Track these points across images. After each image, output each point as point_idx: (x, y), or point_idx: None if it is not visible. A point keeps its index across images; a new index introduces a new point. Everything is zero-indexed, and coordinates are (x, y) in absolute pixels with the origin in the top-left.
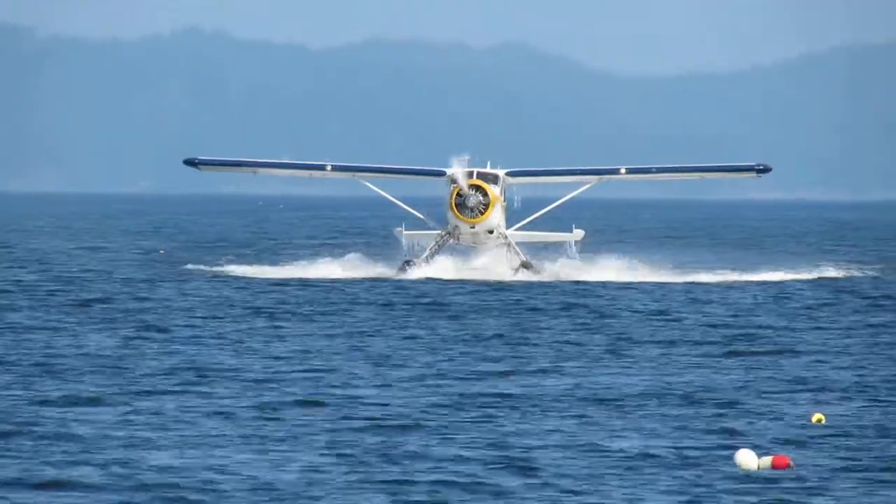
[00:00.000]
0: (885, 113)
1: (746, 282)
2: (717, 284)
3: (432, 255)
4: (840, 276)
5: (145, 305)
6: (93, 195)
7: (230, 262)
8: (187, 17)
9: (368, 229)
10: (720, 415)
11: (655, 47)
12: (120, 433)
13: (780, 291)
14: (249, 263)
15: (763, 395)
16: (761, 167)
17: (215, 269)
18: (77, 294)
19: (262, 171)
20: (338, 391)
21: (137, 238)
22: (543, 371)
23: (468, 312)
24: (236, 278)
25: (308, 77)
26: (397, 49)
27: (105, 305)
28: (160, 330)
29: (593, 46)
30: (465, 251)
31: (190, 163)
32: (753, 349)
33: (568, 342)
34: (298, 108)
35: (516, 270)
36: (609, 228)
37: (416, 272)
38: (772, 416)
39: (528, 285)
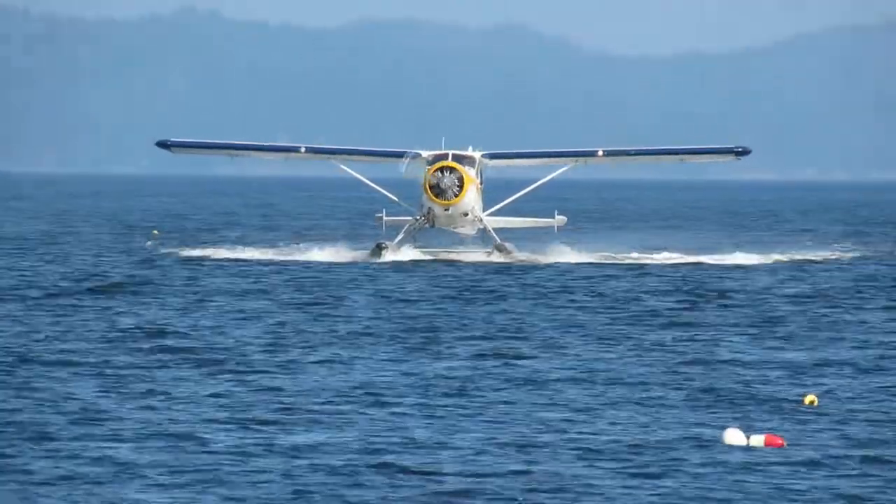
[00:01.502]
0: (881, 93)
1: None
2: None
3: (406, 239)
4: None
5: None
6: (90, 176)
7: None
8: None
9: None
10: (712, 395)
11: (653, 28)
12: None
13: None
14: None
15: (758, 377)
16: (740, 149)
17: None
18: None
19: (236, 153)
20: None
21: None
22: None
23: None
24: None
25: (305, 58)
26: (394, 29)
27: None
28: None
29: (591, 28)
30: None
31: (163, 145)
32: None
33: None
34: (295, 88)
35: (490, 253)
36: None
37: (389, 256)
38: (766, 398)
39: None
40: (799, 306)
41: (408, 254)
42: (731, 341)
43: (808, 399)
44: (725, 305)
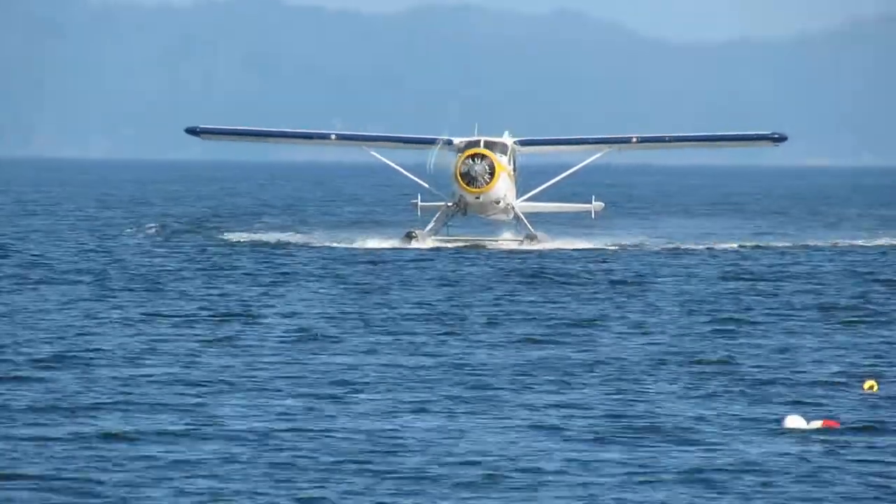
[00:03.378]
0: None
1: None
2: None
3: (438, 227)
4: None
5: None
6: (154, 162)
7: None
8: None
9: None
10: (766, 382)
11: (707, 13)
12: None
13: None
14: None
15: (816, 363)
16: (777, 136)
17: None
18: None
19: (265, 140)
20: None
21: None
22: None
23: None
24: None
25: (360, 44)
26: (449, 15)
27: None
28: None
29: (647, 13)
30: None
31: (192, 131)
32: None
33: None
34: (350, 75)
35: (522, 241)
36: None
37: (419, 244)
38: (825, 384)
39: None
40: None
41: (429, 242)
42: None
43: (867, 384)
44: None
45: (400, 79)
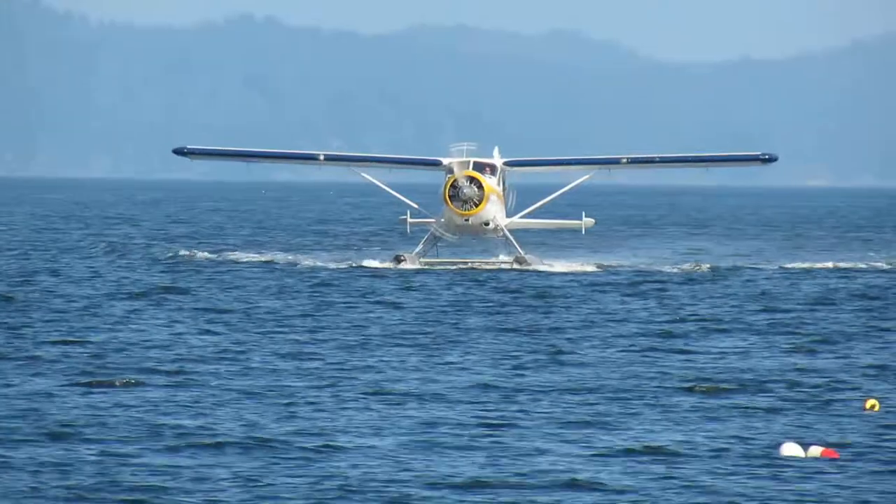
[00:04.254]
0: None
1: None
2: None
3: (426, 249)
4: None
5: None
6: (143, 182)
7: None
8: (240, 3)
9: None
10: (771, 406)
11: (704, 33)
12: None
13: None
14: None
15: (815, 384)
16: (767, 156)
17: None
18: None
19: (254, 160)
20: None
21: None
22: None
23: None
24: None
25: (358, 63)
26: (446, 36)
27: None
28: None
29: (645, 33)
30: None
31: (179, 152)
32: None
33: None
34: (348, 93)
35: (511, 264)
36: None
37: (409, 266)
38: (824, 405)
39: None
40: None
41: (416, 264)
42: None
43: (869, 403)
44: None
45: (397, 97)
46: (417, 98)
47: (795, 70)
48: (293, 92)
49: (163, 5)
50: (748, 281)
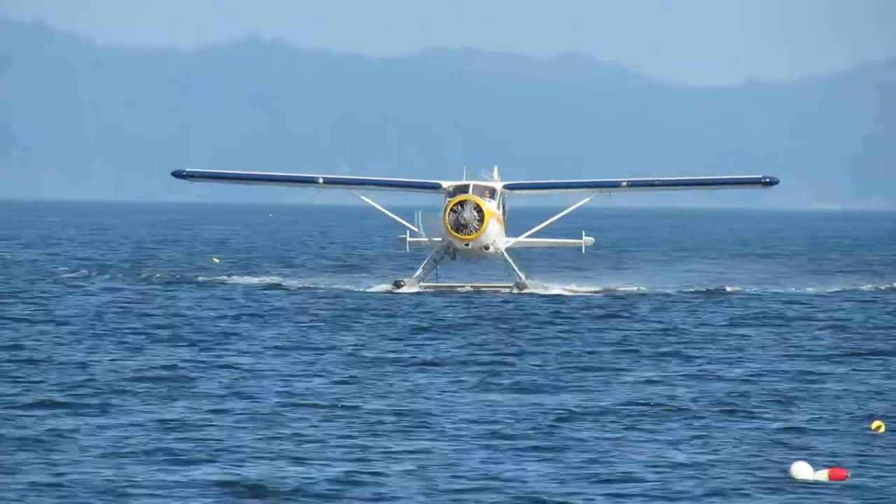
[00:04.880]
0: None
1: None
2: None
3: (426, 273)
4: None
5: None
6: (149, 204)
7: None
8: (246, 25)
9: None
10: (776, 424)
11: (713, 57)
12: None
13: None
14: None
15: (821, 404)
16: (768, 179)
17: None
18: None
19: (252, 183)
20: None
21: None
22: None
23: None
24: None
25: (365, 85)
26: (456, 59)
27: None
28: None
29: (654, 57)
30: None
31: (178, 175)
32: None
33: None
34: (355, 116)
35: (511, 289)
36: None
37: (409, 290)
38: (830, 425)
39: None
40: None
41: (416, 288)
42: None
43: (875, 424)
44: None
45: (405, 119)
46: (424, 120)
47: (802, 92)
48: (299, 113)
49: (169, 27)
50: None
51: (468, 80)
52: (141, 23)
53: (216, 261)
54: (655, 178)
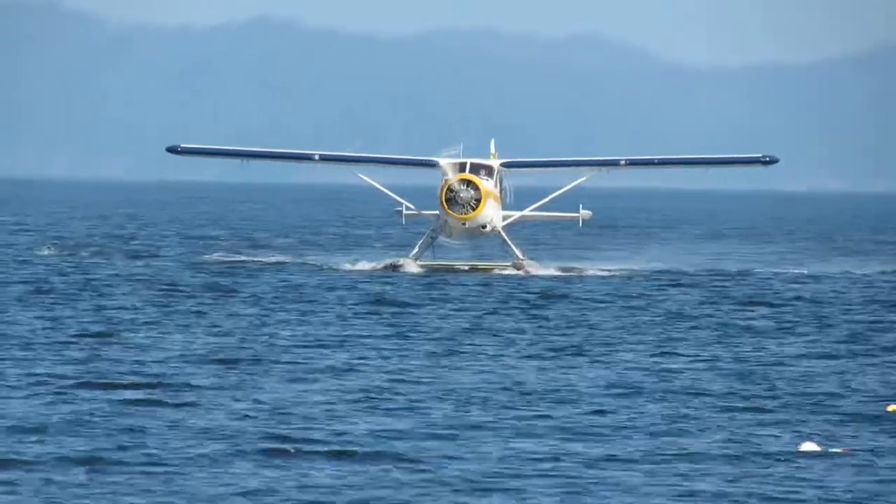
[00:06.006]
0: None
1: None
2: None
3: (422, 252)
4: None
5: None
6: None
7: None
8: (257, 6)
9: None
10: (787, 404)
11: (726, 38)
12: None
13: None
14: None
15: (840, 385)
16: (767, 159)
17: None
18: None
19: (246, 159)
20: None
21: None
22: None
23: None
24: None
25: (376, 67)
26: (466, 39)
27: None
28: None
29: (668, 37)
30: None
31: (172, 150)
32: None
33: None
34: (366, 97)
35: (510, 268)
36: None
37: (406, 269)
38: (846, 405)
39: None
40: None
41: (413, 267)
42: None
43: (892, 407)
44: None
45: (415, 100)
46: (435, 101)
47: (817, 75)
48: (310, 95)
49: (179, 8)
50: (750, 283)
51: (478, 61)
52: (154, 3)
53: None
54: (654, 157)
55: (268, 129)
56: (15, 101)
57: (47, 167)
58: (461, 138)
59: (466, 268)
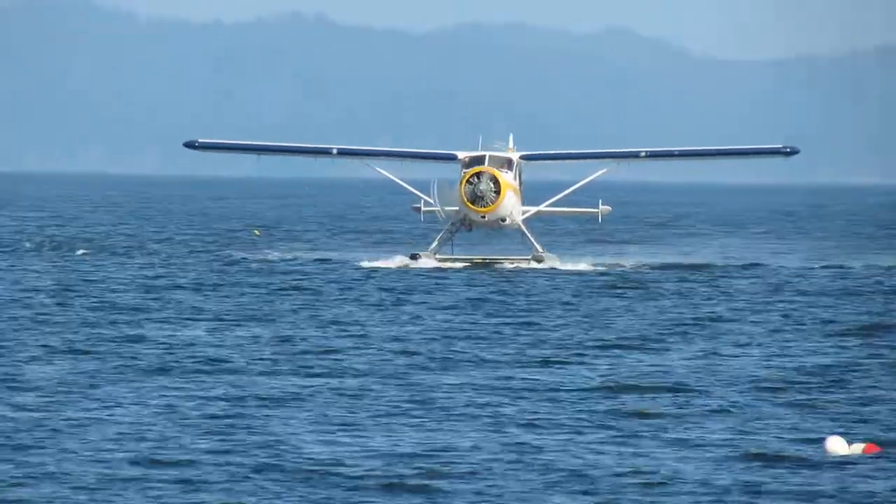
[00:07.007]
0: None
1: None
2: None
3: (441, 245)
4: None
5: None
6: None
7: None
8: (291, 1)
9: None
10: (812, 400)
11: (758, 31)
12: None
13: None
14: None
15: (861, 381)
16: (789, 150)
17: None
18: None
19: (264, 154)
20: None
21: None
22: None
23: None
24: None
25: (409, 61)
26: (498, 34)
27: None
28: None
29: (696, 30)
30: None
31: (190, 145)
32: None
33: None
34: (400, 92)
35: (529, 262)
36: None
37: (425, 264)
38: (869, 403)
39: None
40: None
41: (433, 262)
42: None
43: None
44: None
45: (448, 95)
46: (468, 96)
47: (849, 68)
48: (343, 90)
49: (212, 2)
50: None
51: (510, 55)
52: None
53: (256, 233)
54: (674, 149)
55: (300, 123)
56: (48, 96)
57: (76, 162)
58: (496, 133)
59: (484, 261)
